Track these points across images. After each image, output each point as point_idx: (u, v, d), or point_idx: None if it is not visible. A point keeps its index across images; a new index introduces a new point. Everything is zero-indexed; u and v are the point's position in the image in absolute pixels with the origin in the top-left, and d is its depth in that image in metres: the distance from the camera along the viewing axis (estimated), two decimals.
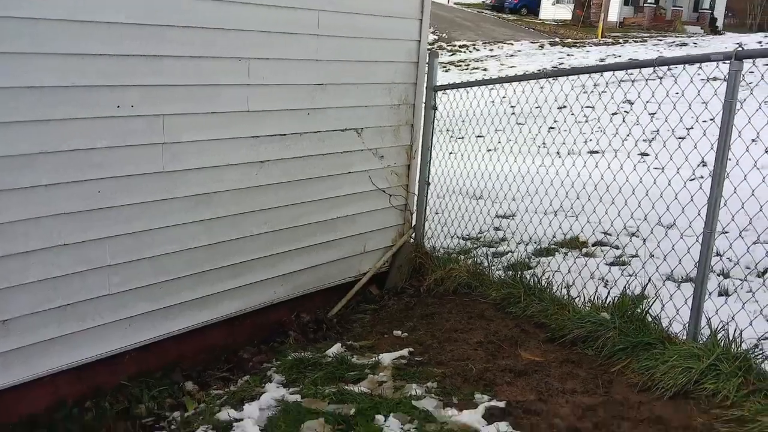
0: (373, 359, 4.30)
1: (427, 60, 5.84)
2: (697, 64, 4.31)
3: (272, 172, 4.83)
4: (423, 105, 5.89)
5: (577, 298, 4.73)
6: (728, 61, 3.68)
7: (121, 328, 4.19)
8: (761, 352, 3.74)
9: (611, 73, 20.56)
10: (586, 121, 12.20)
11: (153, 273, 4.27)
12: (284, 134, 4.85)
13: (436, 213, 6.88)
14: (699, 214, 3.99)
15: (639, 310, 4.31)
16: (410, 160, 5.91)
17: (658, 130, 10.65)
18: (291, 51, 4.76)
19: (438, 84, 5.92)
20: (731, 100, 3.66)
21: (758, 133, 4.44)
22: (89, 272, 3.95)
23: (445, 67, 23.35)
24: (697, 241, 3.96)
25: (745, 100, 3.85)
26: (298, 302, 5.31)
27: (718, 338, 3.83)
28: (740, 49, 3.62)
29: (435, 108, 5.93)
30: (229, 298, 4.79)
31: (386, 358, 4.29)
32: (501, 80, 5.55)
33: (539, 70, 21.84)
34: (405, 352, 4.40)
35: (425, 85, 5.87)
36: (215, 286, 4.67)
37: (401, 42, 5.60)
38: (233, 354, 4.87)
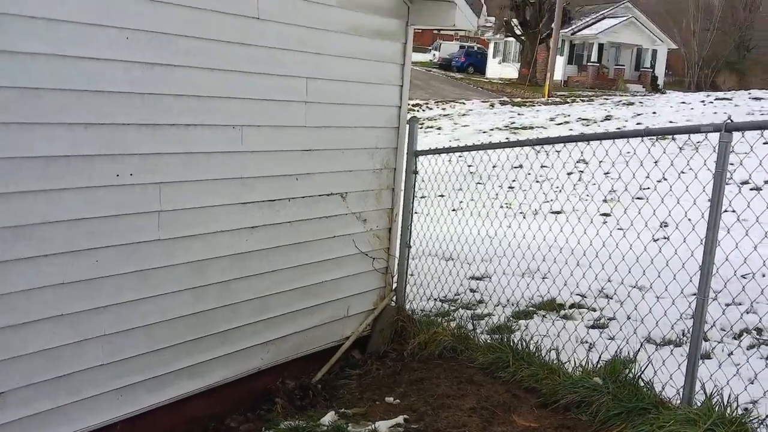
0: (369, 427, 4.26)
1: (408, 124, 5.93)
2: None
3: (261, 237, 4.82)
4: (404, 169, 5.97)
5: (567, 363, 4.78)
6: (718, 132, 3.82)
7: (112, 399, 4.08)
8: (757, 416, 3.82)
9: (565, 131, 20.98)
10: (546, 181, 12.42)
11: (146, 342, 4.20)
12: (273, 200, 4.86)
13: (411, 275, 6.91)
14: (688, 278, 4.08)
15: (631, 375, 4.37)
16: (391, 223, 5.96)
17: (614, 190, 10.96)
18: (281, 118, 4.81)
19: (419, 149, 6.00)
20: (722, 171, 3.79)
21: (749, 203, 4.58)
22: (85, 342, 3.87)
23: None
24: (689, 306, 4.05)
25: (733, 170, 3.99)
26: (282, 368, 5.25)
27: (713, 402, 3.90)
28: (729, 121, 3.76)
29: (416, 172, 6.01)
30: (218, 366, 4.71)
31: (382, 426, 4.26)
32: (484, 147, 5.66)
33: (494, 130, 22.25)
34: (400, 419, 4.37)
35: (406, 149, 5.96)
36: (205, 354, 4.60)
37: (383, 108, 5.69)
38: (220, 423, 4.77)
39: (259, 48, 4.52)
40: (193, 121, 4.20)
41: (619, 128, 20.29)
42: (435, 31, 68.64)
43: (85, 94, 3.66)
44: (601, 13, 52.04)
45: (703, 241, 3.95)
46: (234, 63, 4.38)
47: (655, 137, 11.29)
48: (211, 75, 4.26)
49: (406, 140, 5.97)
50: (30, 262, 3.56)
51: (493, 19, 51.44)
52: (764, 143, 8.20)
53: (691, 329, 4.07)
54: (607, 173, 12.48)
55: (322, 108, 5.10)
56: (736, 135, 3.82)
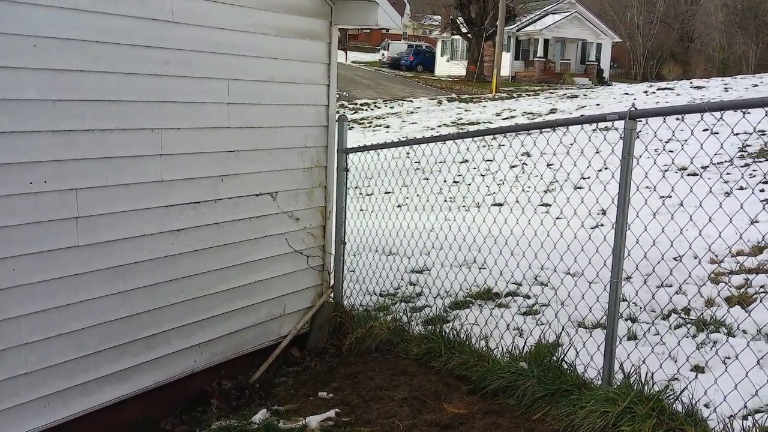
0: (300, 422, 4.30)
1: (337, 123, 5.98)
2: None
3: (187, 240, 4.82)
4: (335, 167, 6.01)
5: (496, 350, 4.87)
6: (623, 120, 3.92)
7: (39, 407, 4.05)
8: (672, 392, 3.94)
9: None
10: (491, 175, 12.57)
11: (70, 349, 4.18)
12: (198, 202, 4.86)
13: (352, 271, 6.95)
14: (605, 264, 4.18)
15: (555, 358, 4.48)
16: (325, 221, 6.00)
17: (560, 183, 11.13)
18: (203, 120, 4.81)
19: (348, 146, 6.05)
20: (628, 157, 3.90)
21: (655, 186, 4.72)
22: (5, 351, 3.84)
23: (348, 125, 23.70)
24: (605, 289, 4.16)
25: (641, 156, 4.11)
26: (219, 369, 5.26)
27: (631, 381, 4.01)
28: (633, 109, 3.87)
29: (347, 169, 6.05)
30: (148, 370, 4.70)
31: (313, 420, 4.30)
32: (410, 142, 5.74)
33: (441, 126, 22.43)
34: (332, 413, 4.42)
35: (336, 147, 6.00)
36: (134, 358, 4.58)
37: (310, 107, 5.73)
38: (155, 426, 4.77)
39: (175, 51, 4.52)
40: (108, 126, 4.19)
41: None
42: (383, 31, 68.84)
43: None
44: (545, 9, 52.74)
45: (628, 225, 4.05)
46: (149, 67, 4.38)
47: (594, 127, 11.49)
48: (125, 79, 4.25)
49: (336, 138, 6.02)
50: None
51: (438, 17, 51.81)
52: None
53: (606, 311, 4.16)
54: (550, 165, 12.70)
55: (247, 109, 5.12)
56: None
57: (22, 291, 3.89)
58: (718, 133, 8.12)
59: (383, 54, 60.78)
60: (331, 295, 6.18)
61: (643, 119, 3.94)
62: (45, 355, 4.05)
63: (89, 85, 4.07)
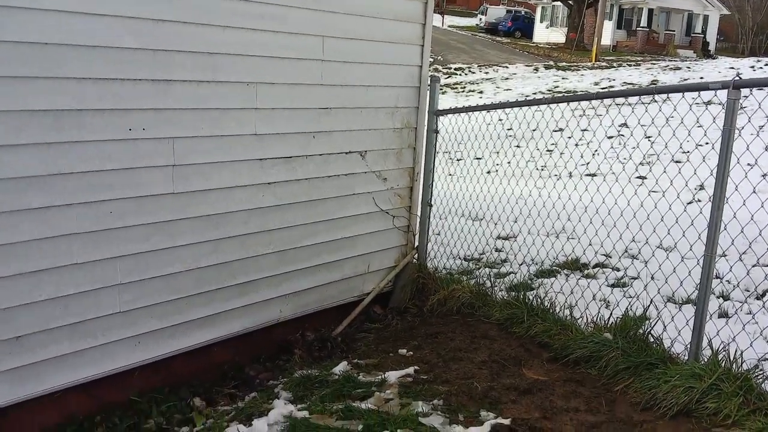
0: (380, 377, 4.36)
1: (429, 84, 5.95)
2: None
3: (278, 193, 4.92)
4: (425, 128, 5.99)
5: (580, 319, 4.81)
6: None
7: (130, 345, 4.25)
8: (761, 372, 3.81)
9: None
10: (586, 144, 12.30)
11: (162, 291, 4.35)
12: (290, 157, 4.94)
13: (437, 234, 6.96)
14: (699, 238, 4.06)
15: (641, 331, 4.38)
16: (413, 182, 6.01)
17: (657, 155, 10.81)
18: (297, 76, 4.87)
19: (439, 108, 6.02)
20: (730, 128, 3.75)
21: (756, 160, 4.52)
22: (100, 290, 4.03)
23: (441, 89, 23.55)
24: (697, 264, 4.04)
25: (743, 127, 3.94)
26: (303, 321, 5.38)
27: (719, 359, 3.90)
28: (737, 78, 3.71)
29: (437, 131, 6.03)
30: (236, 317, 4.85)
31: (392, 376, 4.36)
32: (502, 105, 5.64)
33: (536, 94, 22.04)
34: (410, 370, 4.46)
35: (427, 109, 5.98)
36: (222, 304, 4.74)
37: (404, 67, 5.71)
38: (239, 371, 4.93)
39: (270, 5, 4.57)
40: (205, 78, 4.29)
41: None
42: None
43: (95, 49, 3.77)
44: None
45: (726, 199, 3.91)
46: (245, 21, 4.44)
47: (699, 97, 11.07)
48: (221, 33, 4.33)
49: (428, 100, 5.99)
50: (42, 212, 3.73)
51: None
52: None
53: (698, 286, 4.04)
54: (648, 137, 12.34)
55: (340, 66, 5.15)
56: None
57: (118, 233, 4.06)
58: None
59: (480, 19, 59.89)
60: (415, 255, 6.20)
61: (748, 90, 3.76)
62: (138, 295, 4.23)
63: (187, 36, 4.17)
